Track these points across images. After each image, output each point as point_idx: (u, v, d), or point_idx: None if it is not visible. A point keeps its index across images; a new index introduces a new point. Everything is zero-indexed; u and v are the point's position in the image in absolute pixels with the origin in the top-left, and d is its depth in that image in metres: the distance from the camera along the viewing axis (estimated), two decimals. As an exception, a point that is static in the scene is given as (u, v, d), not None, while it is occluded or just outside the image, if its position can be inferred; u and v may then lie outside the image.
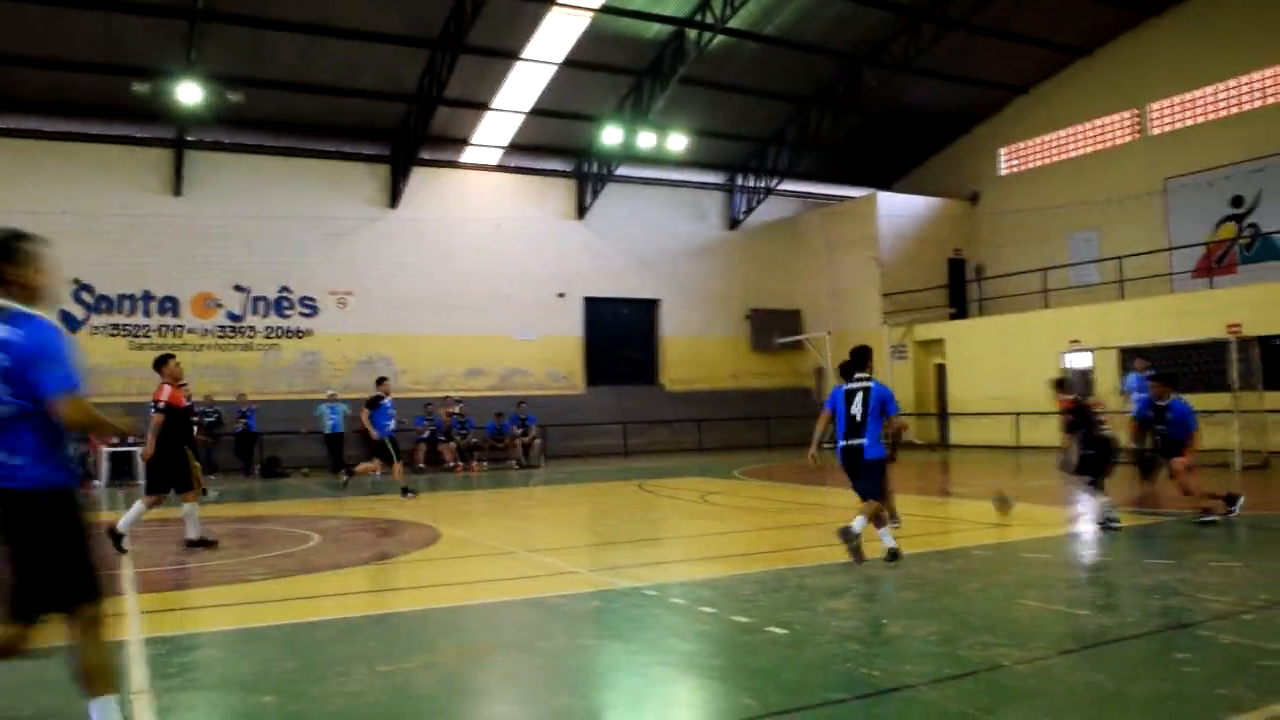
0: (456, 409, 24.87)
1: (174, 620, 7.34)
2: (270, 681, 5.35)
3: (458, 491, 18.54)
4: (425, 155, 27.08)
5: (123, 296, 24.36)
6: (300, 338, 26.10)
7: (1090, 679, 5.15)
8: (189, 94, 21.81)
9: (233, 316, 25.47)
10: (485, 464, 24.39)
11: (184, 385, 11.47)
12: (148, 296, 24.62)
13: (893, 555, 8.68)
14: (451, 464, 23.80)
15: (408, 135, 25.99)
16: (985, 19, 25.55)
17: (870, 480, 9.00)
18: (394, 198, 27.16)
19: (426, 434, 24.18)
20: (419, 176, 27.31)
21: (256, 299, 25.73)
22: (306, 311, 26.23)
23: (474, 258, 28.23)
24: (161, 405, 10.68)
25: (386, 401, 16.80)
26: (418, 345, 27.22)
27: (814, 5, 24.80)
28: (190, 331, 24.97)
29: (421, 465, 23.70)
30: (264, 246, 25.68)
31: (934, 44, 26.10)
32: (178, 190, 24.88)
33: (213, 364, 25.00)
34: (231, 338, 25.39)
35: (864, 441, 8.94)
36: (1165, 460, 12.02)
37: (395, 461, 16.70)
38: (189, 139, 24.67)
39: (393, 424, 16.94)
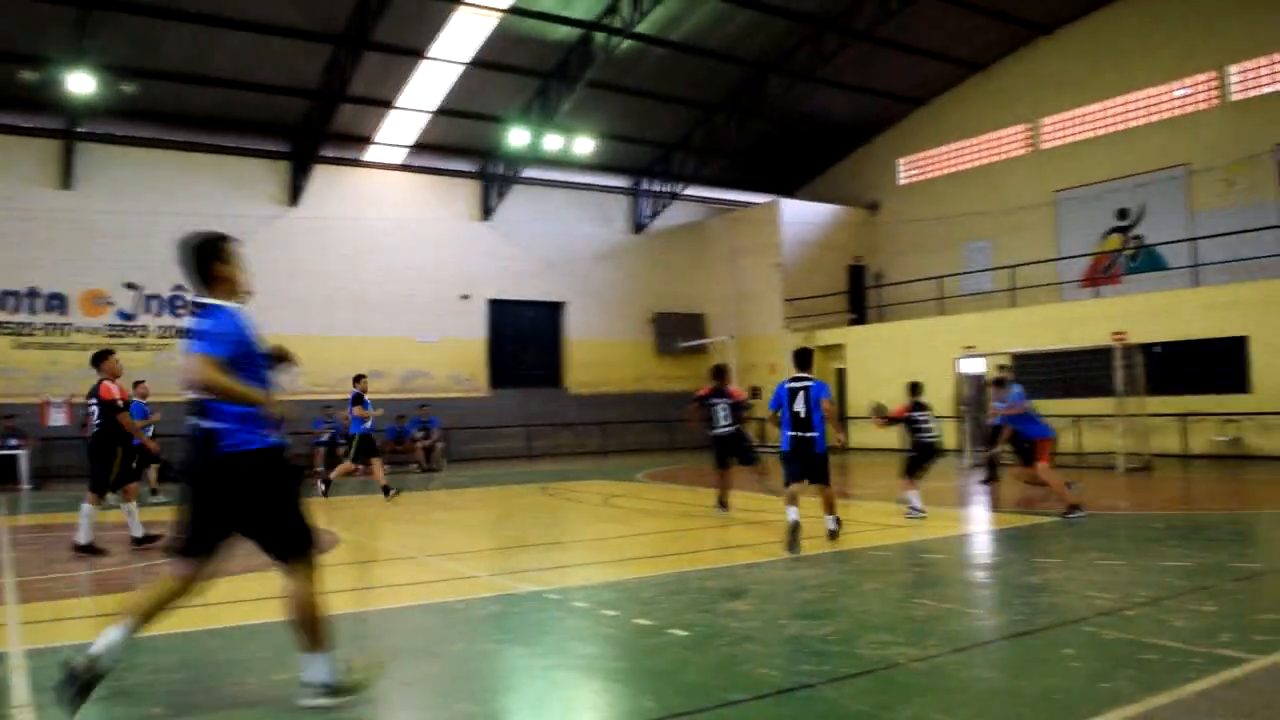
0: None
1: (57, 631, 7.08)
2: (159, 692, 5.22)
3: (357, 495, 18.25)
4: (327, 153, 26.65)
5: (6, 293, 23.48)
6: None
7: (982, 675, 5.32)
8: (80, 84, 21.11)
9: (124, 315, 24.71)
10: (386, 468, 23.98)
11: (140, 383, 11.54)
12: (33, 293, 23.77)
13: (832, 535, 10.11)
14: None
15: (309, 132, 25.53)
16: (887, 32, 26.15)
17: (822, 469, 10.18)
18: (295, 196, 26.64)
19: (325, 437, 23.74)
20: (321, 175, 26.84)
21: (149, 297, 25.01)
22: (202, 311, 25.52)
23: (377, 258, 27.85)
24: (121, 402, 10.54)
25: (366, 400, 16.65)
26: (318, 347, 26.64)
27: (721, 13, 25.06)
28: (79, 330, 24.14)
29: (320, 469, 23.25)
30: (158, 243, 24.85)
31: (837, 54, 26.62)
32: (67, 183, 24.06)
33: (102, 364, 24.20)
34: (122, 337, 24.59)
35: (814, 435, 10.09)
36: (1024, 465, 13.25)
37: (366, 462, 16.61)
38: (80, 131, 23.86)
39: (369, 423, 16.67)
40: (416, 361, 28.43)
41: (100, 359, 10.72)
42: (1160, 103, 26.13)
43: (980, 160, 30.44)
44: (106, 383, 10.55)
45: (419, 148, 28.38)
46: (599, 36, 24.57)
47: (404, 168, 28.73)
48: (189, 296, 6.92)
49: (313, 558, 5.08)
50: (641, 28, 24.27)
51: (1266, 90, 24.08)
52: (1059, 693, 4.86)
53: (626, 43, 24.64)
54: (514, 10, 23.29)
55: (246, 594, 8.42)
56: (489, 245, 29.98)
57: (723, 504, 12.99)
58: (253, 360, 5.03)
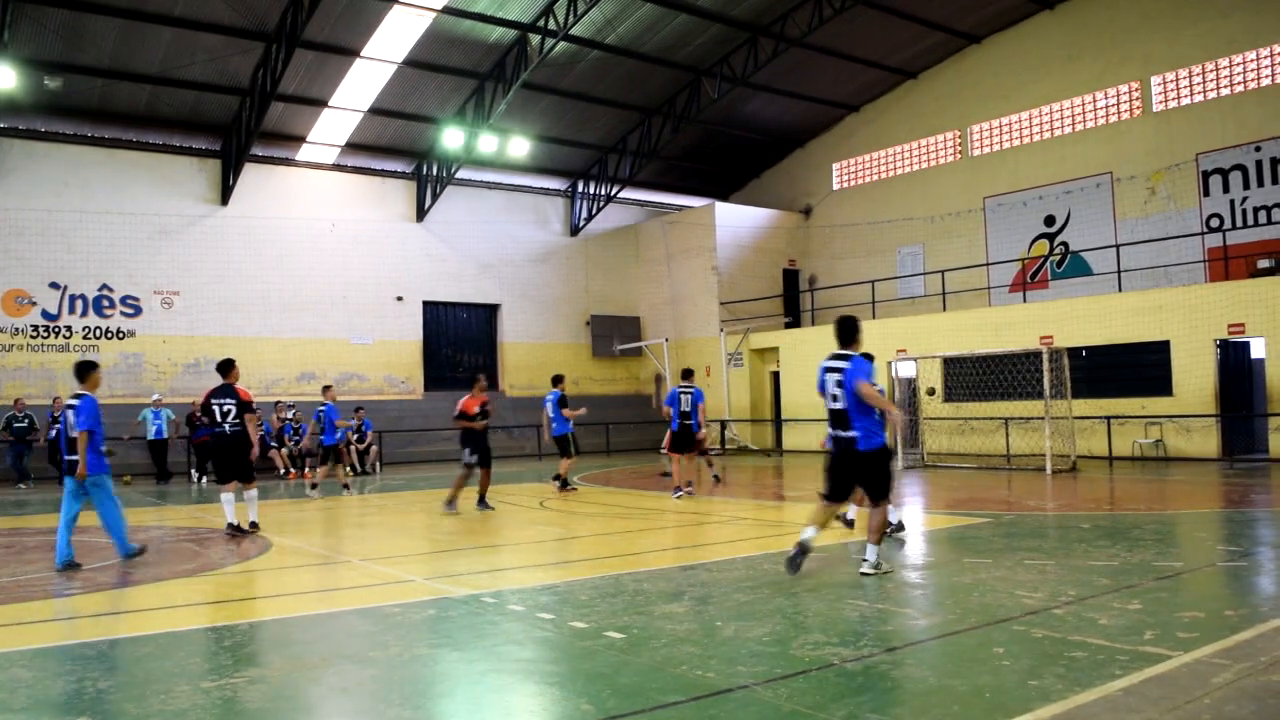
0: (289, 414, 24.12)
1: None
2: (85, 701, 5.09)
3: (289, 500, 17.99)
4: (258, 151, 26.24)
5: (-78, 292, 22.80)
6: (122, 339, 24.85)
7: (914, 674, 5.39)
8: (1, 78, 20.52)
9: (47, 315, 24.06)
10: (319, 471, 23.69)
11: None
12: (-50, 293, 23.10)
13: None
14: (283, 471, 23.08)
15: (240, 130, 25.09)
16: (820, 39, 26.46)
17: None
18: (225, 195, 26.17)
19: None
20: (251, 173, 26.41)
21: (74, 297, 24.38)
22: (129, 311, 25.00)
23: (309, 259, 27.48)
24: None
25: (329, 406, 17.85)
26: (249, 348, 26.25)
27: (656, 17, 25.14)
28: (-1, 330, 23.51)
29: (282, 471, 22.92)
30: (83, 242, 24.37)
31: (772, 60, 26.82)
32: (-12, 180, 23.42)
33: (25, 365, 23.60)
34: (46, 338, 23.99)
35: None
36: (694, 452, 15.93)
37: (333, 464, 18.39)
38: (1, 126, 23.23)
39: (339, 432, 18.20)
40: (350, 364, 28.09)
41: (228, 367, 12.45)
42: (1084, 111, 26.74)
43: (912, 166, 30.88)
44: (240, 386, 12.36)
45: (352, 147, 28.06)
46: (534, 38, 24.49)
47: (337, 167, 28.38)
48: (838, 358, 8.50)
49: (887, 500, 8.36)
50: (577, 30, 24.26)
51: (1187, 101, 24.76)
52: (989, 690, 4.94)
53: (561, 45, 24.59)
54: (449, 10, 23.13)
55: (177, 599, 8.25)
56: (424, 247, 29.73)
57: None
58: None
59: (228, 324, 26.13)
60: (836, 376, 8.23)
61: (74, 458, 9.74)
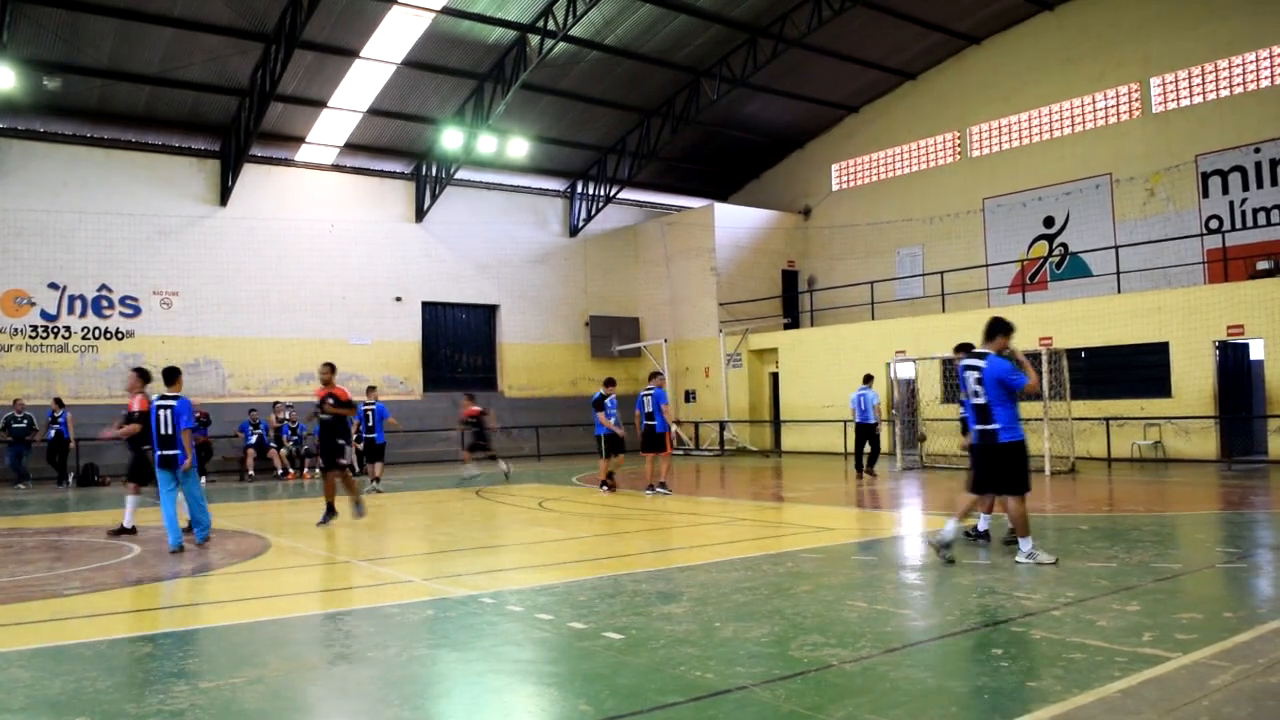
0: (286, 414, 24.11)
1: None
2: (84, 701, 5.09)
3: (288, 500, 18.00)
4: (257, 152, 26.24)
5: (-79, 292, 22.79)
6: (121, 339, 24.84)
7: (913, 675, 5.38)
8: (0, 79, 20.52)
9: (46, 316, 24.05)
10: (317, 471, 23.72)
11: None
12: (-51, 293, 23.10)
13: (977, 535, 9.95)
14: (281, 471, 23.08)
15: (239, 131, 25.09)
16: (820, 39, 26.46)
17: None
18: (224, 195, 26.16)
19: (254, 440, 23.33)
20: (251, 174, 26.41)
21: (73, 297, 24.38)
22: (128, 312, 24.99)
23: (308, 259, 27.48)
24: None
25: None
26: (248, 349, 26.31)
27: (655, 18, 25.14)
28: (-2, 330, 23.51)
29: (251, 473, 22.91)
30: (82, 242, 24.37)
31: (771, 61, 26.83)
32: (-13, 180, 23.42)
33: (24, 366, 23.60)
34: (45, 338, 24.00)
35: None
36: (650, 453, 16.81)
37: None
38: (1, 126, 23.23)
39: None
40: (349, 364, 28.03)
41: (330, 372, 13.96)
42: (1085, 113, 26.76)
43: (911, 167, 30.89)
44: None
45: (351, 148, 28.06)
46: (533, 39, 24.50)
47: (336, 168, 28.38)
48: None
49: (1024, 496, 8.64)
50: (576, 31, 24.26)
51: (1186, 103, 24.77)
52: (988, 692, 4.95)
53: (561, 46, 24.59)
54: (448, 11, 23.13)
55: (176, 599, 8.25)
56: (423, 247, 29.73)
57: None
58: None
59: (227, 324, 26.13)
60: (976, 374, 8.85)
61: (172, 452, 10.79)
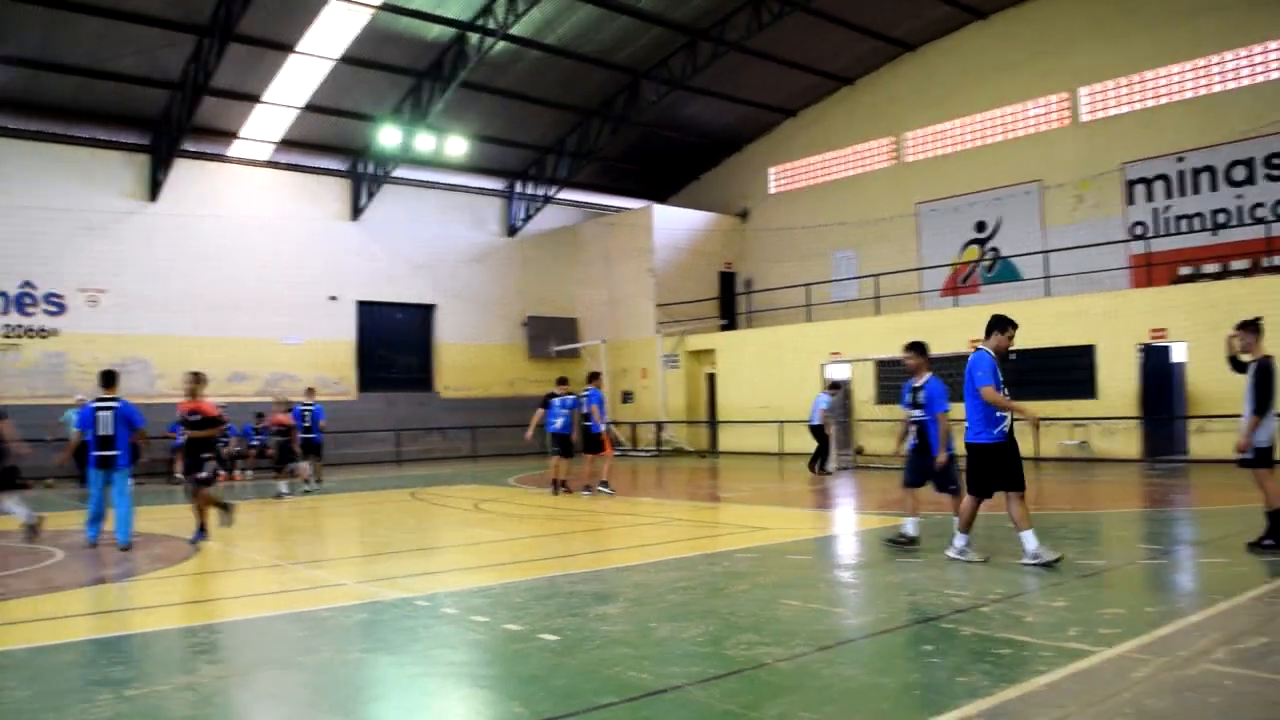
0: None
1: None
2: (3, 712, 4.95)
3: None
4: (189, 147, 25.75)
5: None
6: (44, 337, 24.22)
7: (846, 672, 5.45)
8: (-83, 68, 19.91)
9: (-35, 312, 23.39)
10: (249, 473, 23.38)
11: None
12: None
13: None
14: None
15: (170, 125, 24.61)
16: (759, 43, 26.63)
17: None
18: (154, 191, 25.64)
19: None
20: (182, 169, 25.91)
21: (-5, 293, 23.73)
22: (52, 309, 24.37)
23: (241, 257, 27.03)
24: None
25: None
26: (179, 347, 25.77)
27: (596, 18, 25.14)
28: (-86, 327, 22.80)
29: (178, 475, 22.44)
30: (4, 238, 23.72)
31: (710, 63, 26.97)
32: (-96, 173, 22.72)
33: (-60, 364, 22.92)
34: (-37, 335, 23.32)
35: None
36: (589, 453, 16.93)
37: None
38: (-82, 117, 22.60)
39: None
40: (282, 364, 27.68)
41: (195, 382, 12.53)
42: (1016, 121, 27.26)
43: (847, 171, 31.22)
44: None
45: (287, 144, 27.66)
46: (473, 37, 24.35)
47: (271, 164, 27.95)
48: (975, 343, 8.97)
49: (1021, 492, 8.42)
50: (516, 30, 24.17)
51: (1114, 112, 25.34)
52: (918, 688, 5.03)
53: (501, 44, 24.49)
54: (387, 7, 22.91)
55: (102, 605, 8.08)
56: (358, 246, 29.40)
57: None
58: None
59: (156, 323, 25.59)
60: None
61: (111, 453, 11.11)
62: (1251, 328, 9.31)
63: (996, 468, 8.46)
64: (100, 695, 5.16)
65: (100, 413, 11.15)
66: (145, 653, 6.41)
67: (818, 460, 20.22)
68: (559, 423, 17.04)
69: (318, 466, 19.51)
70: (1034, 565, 8.23)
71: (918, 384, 9.96)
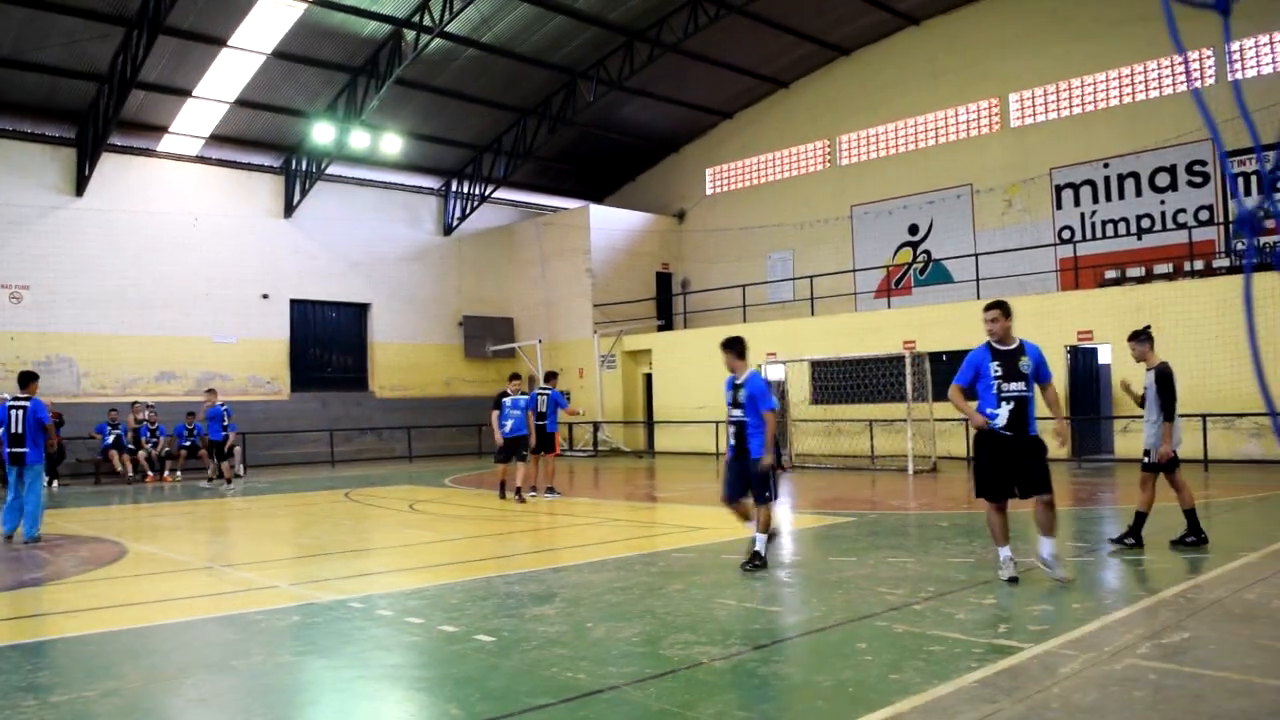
0: (145, 414, 23.20)
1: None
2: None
3: (146, 504, 17.35)
4: (117, 141, 25.18)
5: None
6: (-37, 334, 23.54)
7: (781, 671, 5.51)
8: None
9: (-120, 310, 22.64)
10: (179, 474, 22.94)
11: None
12: None
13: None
14: (140, 474, 22.21)
15: (97, 118, 24.03)
16: (696, 45, 26.75)
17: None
18: (80, 185, 25.02)
19: (110, 440, 22.38)
20: (109, 164, 25.33)
21: (-89, 291, 23.00)
22: (-28, 306, 23.70)
23: (170, 254, 26.48)
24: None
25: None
26: (105, 346, 25.20)
27: (532, 17, 25.05)
28: None
29: (130, 474, 21.99)
30: (-79, 232, 23.01)
31: (648, 65, 27.03)
32: None
33: None
34: (-122, 333, 22.58)
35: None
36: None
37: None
38: None
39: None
40: (213, 363, 27.19)
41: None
42: (948, 126, 27.70)
43: (783, 173, 31.48)
44: None
45: (218, 139, 27.17)
46: (408, 34, 24.12)
47: (201, 160, 27.43)
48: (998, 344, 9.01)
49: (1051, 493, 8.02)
50: (452, 28, 23.98)
51: (1042, 118, 25.86)
52: (852, 685, 5.09)
53: (436, 42, 24.28)
54: (320, 2, 22.61)
55: (25, 609, 7.88)
56: (292, 243, 28.99)
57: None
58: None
59: (82, 320, 24.99)
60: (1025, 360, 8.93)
61: (21, 450, 11.73)
62: (1142, 337, 9.62)
63: (987, 460, 8.25)
64: (25, 702, 5.04)
65: (13, 411, 11.93)
66: (71, 657, 6.27)
67: None
68: (509, 425, 15.41)
69: (225, 466, 20.24)
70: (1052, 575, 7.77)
71: (739, 380, 8.92)
